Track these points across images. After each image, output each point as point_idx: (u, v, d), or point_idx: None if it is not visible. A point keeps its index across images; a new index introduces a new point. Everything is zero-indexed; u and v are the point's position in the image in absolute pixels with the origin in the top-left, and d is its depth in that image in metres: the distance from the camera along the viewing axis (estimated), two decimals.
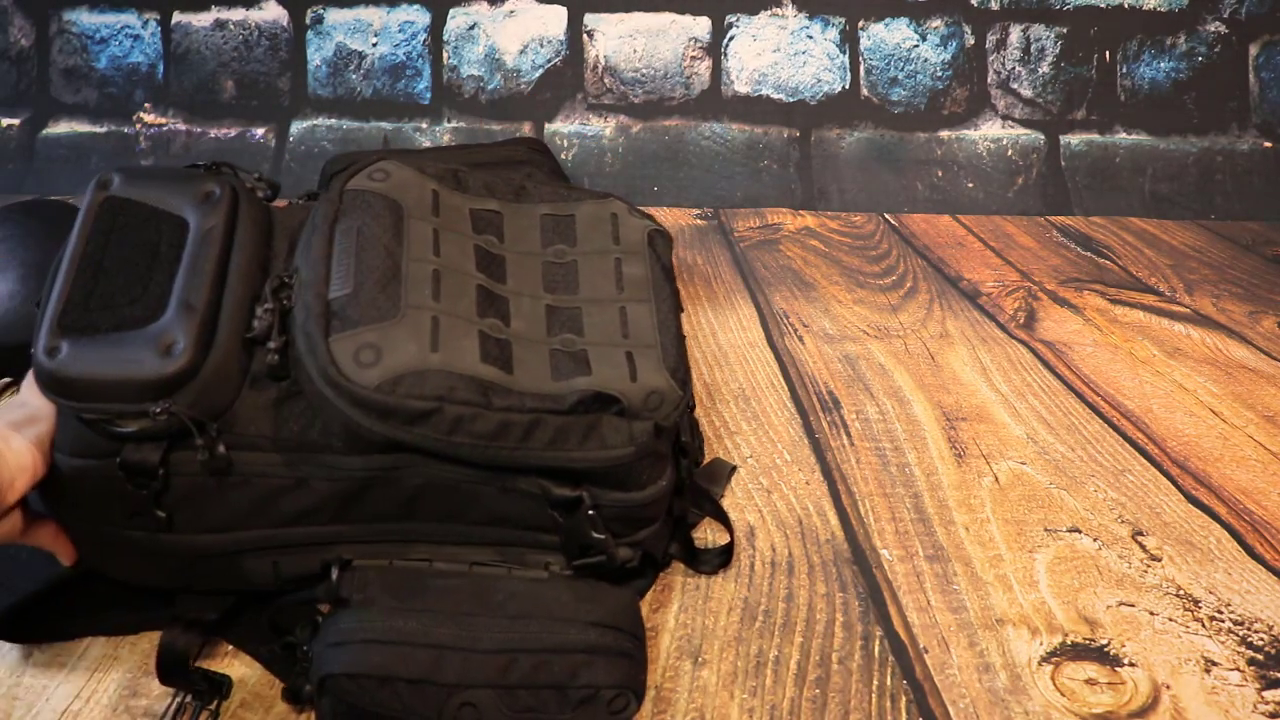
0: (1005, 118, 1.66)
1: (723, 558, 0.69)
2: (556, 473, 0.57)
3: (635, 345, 0.61)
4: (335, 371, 0.53)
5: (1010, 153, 1.65)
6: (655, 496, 0.60)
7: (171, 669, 0.55)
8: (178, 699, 0.56)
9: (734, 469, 0.82)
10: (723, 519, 0.74)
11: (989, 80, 1.66)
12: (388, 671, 0.50)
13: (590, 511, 0.57)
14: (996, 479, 0.81)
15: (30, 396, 0.54)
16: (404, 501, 0.57)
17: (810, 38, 1.65)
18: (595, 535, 0.57)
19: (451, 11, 1.64)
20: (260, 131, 1.65)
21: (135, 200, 0.58)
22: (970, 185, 1.63)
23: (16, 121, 1.66)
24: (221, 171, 0.63)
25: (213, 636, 0.60)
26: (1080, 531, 0.74)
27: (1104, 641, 0.63)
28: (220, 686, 0.56)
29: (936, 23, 1.65)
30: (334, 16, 1.64)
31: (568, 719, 0.52)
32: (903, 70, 1.66)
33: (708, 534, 0.73)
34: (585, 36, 1.65)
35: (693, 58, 1.65)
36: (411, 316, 0.56)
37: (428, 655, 0.51)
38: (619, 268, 0.67)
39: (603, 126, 1.64)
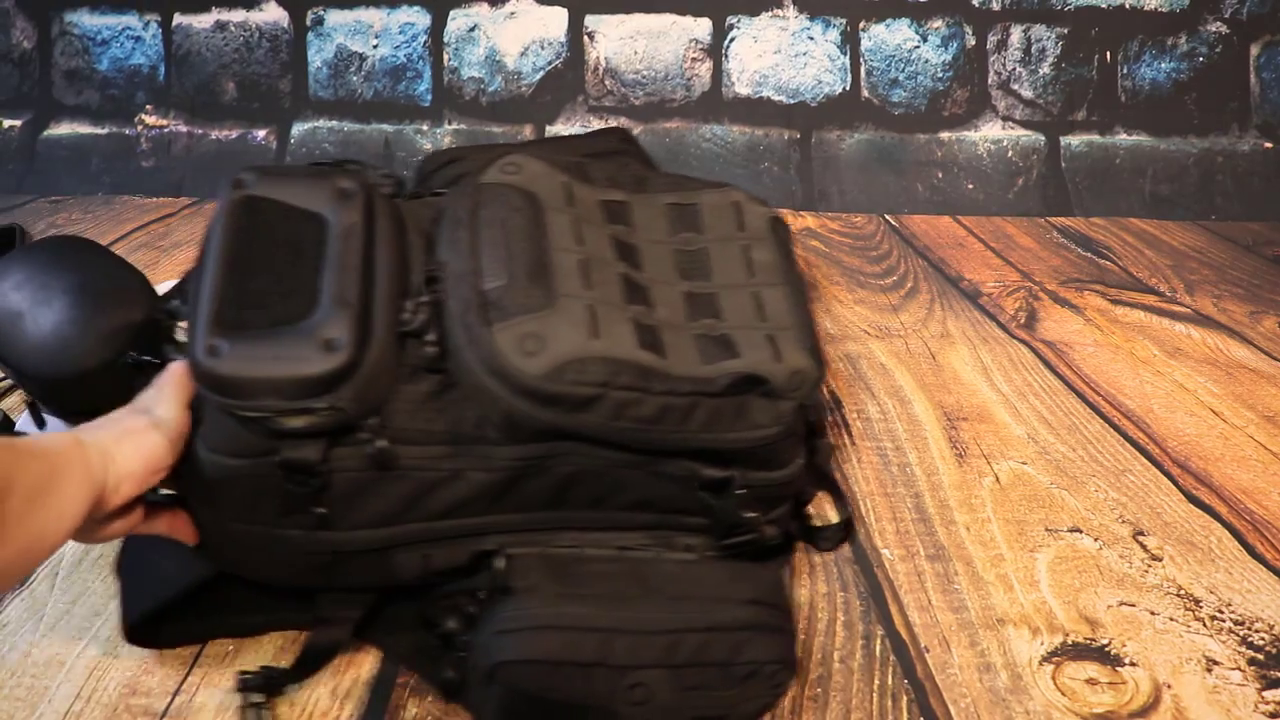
0: (1006, 119, 1.66)
1: (842, 534, 0.70)
2: (707, 454, 0.57)
3: (774, 327, 0.62)
4: (500, 361, 0.53)
5: (1010, 154, 1.65)
6: (795, 474, 0.61)
7: (315, 668, 0.56)
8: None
9: (834, 448, 0.82)
10: (839, 496, 0.75)
11: (989, 81, 1.66)
12: (560, 656, 0.51)
13: (739, 491, 0.58)
14: (997, 479, 0.81)
15: (154, 404, 0.52)
16: (555, 490, 0.57)
17: (811, 39, 1.65)
18: (745, 515, 0.59)
19: (452, 13, 1.64)
20: (261, 133, 1.65)
21: (272, 198, 0.58)
22: (970, 186, 1.63)
23: (18, 123, 1.66)
24: (350, 169, 0.63)
25: (359, 635, 0.59)
26: (1081, 531, 0.74)
27: (1105, 641, 0.63)
28: (271, 688, 0.56)
29: (937, 23, 1.65)
30: (334, 18, 1.64)
31: (733, 694, 0.53)
32: (903, 71, 1.66)
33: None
34: (586, 38, 1.65)
35: (693, 59, 1.65)
36: (566, 305, 0.56)
37: (596, 638, 0.51)
38: (747, 253, 0.67)
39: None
